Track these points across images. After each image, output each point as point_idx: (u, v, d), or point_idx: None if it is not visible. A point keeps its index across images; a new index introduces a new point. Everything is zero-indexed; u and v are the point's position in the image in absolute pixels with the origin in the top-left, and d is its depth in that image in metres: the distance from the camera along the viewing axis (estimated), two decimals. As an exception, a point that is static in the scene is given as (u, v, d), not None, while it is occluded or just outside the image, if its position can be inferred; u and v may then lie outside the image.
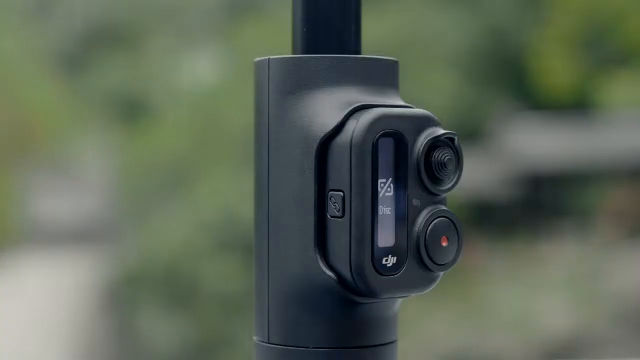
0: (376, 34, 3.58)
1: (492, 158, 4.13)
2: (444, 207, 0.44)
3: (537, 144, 4.22)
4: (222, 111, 3.66)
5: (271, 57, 0.46)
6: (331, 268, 0.44)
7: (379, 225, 0.43)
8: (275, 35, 3.45)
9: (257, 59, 0.46)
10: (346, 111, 0.43)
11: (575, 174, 4.21)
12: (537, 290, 3.57)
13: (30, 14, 4.36)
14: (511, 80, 4.49)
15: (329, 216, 0.43)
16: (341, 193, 0.43)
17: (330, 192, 0.43)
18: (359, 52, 0.47)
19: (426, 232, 0.44)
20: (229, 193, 3.32)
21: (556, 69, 4.33)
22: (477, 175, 3.92)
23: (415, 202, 0.44)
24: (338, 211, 0.43)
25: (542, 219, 4.06)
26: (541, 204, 4.18)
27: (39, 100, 4.07)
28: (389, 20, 3.98)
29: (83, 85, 4.18)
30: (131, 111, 4.03)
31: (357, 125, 0.43)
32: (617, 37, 4.34)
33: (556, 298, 3.53)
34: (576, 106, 4.31)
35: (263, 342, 0.46)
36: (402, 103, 0.45)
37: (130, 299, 3.53)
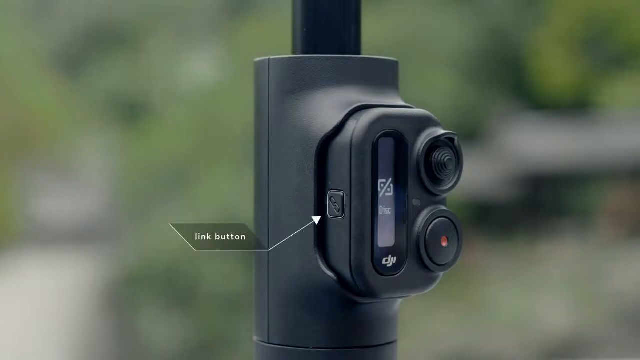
0: (376, 34, 3.58)
1: (492, 158, 4.12)
2: (444, 207, 0.44)
3: (537, 144, 4.22)
4: (222, 111, 3.66)
5: (271, 57, 0.46)
6: (331, 268, 0.44)
7: (379, 225, 0.43)
8: (275, 35, 3.45)
9: (258, 59, 0.46)
10: (346, 111, 0.43)
11: (575, 174, 4.20)
12: (537, 290, 3.57)
13: (30, 14, 4.36)
14: (511, 80, 4.49)
15: (329, 216, 0.43)
16: (341, 193, 0.43)
17: (330, 192, 0.43)
18: (359, 53, 0.47)
19: (426, 232, 0.44)
20: (229, 193, 3.31)
21: (556, 68, 4.33)
22: (477, 175, 3.92)
23: (415, 202, 0.44)
24: (338, 211, 0.43)
25: (542, 219, 4.05)
26: (541, 204, 4.18)
27: (39, 101, 4.06)
28: (389, 20, 3.98)
29: (83, 85, 4.18)
30: (131, 111, 4.02)
31: (357, 126, 0.43)
32: (617, 37, 4.34)
33: (556, 298, 3.53)
34: (576, 106, 4.31)
35: (263, 342, 0.46)
36: (402, 103, 0.45)
37: (130, 299, 3.53)
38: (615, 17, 4.34)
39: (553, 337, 3.32)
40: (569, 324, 3.39)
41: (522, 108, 4.39)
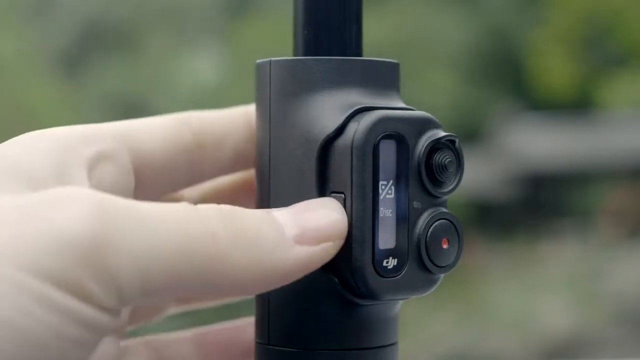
0: (376, 34, 3.58)
1: (492, 158, 4.13)
2: (444, 210, 0.44)
3: (537, 144, 4.22)
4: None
5: (272, 59, 0.46)
6: (332, 270, 0.44)
7: (379, 227, 0.43)
8: (275, 34, 3.45)
9: (259, 60, 0.46)
10: (347, 113, 0.43)
11: (575, 174, 4.21)
12: (537, 290, 3.57)
13: (30, 14, 4.37)
14: (511, 80, 4.50)
15: (330, 218, 0.43)
16: (342, 195, 0.43)
17: (332, 194, 0.43)
18: (360, 54, 0.47)
19: (427, 234, 0.44)
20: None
21: (556, 69, 4.33)
22: (477, 175, 3.92)
23: (416, 204, 0.44)
24: (339, 213, 0.43)
25: (542, 219, 4.06)
26: (541, 204, 4.19)
27: (38, 101, 4.07)
28: (389, 20, 3.99)
29: (83, 85, 4.18)
30: (131, 111, 4.03)
31: (359, 128, 0.43)
32: (617, 37, 4.34)
33: (556, 298, 3.53)
34: (576, 106, 4.31)
35: (263, 343, 0.46)
36: (403, 105, 0.45)
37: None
38: (615, 17, 4.35)
39: (553, 337, 3.32)
40: (569, 324, 3.40)
41: (522, 108, 4.39)
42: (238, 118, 0.50)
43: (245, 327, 0.53)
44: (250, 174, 0.50)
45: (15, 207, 0.38)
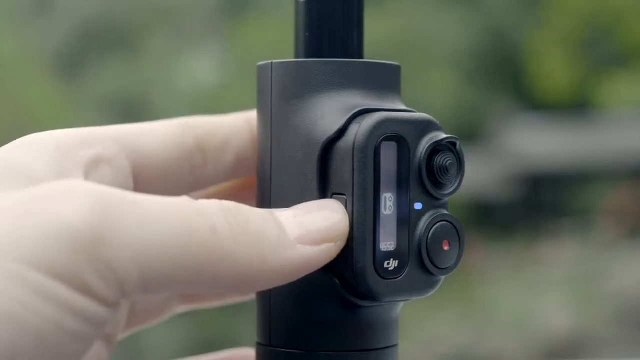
0: (376, 34, 3.58)
1: (492, 158, 4.13)
2: (445, 212, 0.45)
3: (537, 144, 4.22)
4: (222, 111, 3.65)
5: (274, 61, 0.46)
6: (333, 271, 0.44)
7: (381, 228, 0.43)
8: (276, 34, 3.45)
9: (260, 62, 0.47)
10: (349, 115, 0.43)
11: (575, 174, 4.21)
12: (537, 290, 3.57)
13: (30, 14, 4.37)
14: (511, 80, 4.50)
15: (331, 220, 0.43)
16: (344, 197, 0.43)
17: (333, 196, 0.43)
18: (361, 57, 0.47)
19: (428, 236, 0.44)
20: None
21: (556, 69, 4.33)
22: (477, 176, 3.92)
23: (417, 206, 0.44)
24: (340, 215, 0.43)
25: (542, 219, 4.06)
26: (541, 204, 4.19)
27: (38, 102, 4.07)
28: (390, 20, 3.99)
29: (82, 85, 4.18)
30: (131, 111, 4.03)
31: (360, 129, 0.43)
32: (617, 38, 4.35)
33: (556, 298, 3.53)
34: (576, 106, 4.31)
35: (265, 344, 0.46)
36: (404, 107, 0.45)
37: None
38: (615, 18, 4.35)
39: (553, 337, 3.32)
40: (569, 324, 3.40)
41: (522, 108, 4.39)
42: (240, 123, 0.50)
43: (242, 358, 0.53)
44: (252, 179, 0.50)
45: (15, 201, 0.38)
